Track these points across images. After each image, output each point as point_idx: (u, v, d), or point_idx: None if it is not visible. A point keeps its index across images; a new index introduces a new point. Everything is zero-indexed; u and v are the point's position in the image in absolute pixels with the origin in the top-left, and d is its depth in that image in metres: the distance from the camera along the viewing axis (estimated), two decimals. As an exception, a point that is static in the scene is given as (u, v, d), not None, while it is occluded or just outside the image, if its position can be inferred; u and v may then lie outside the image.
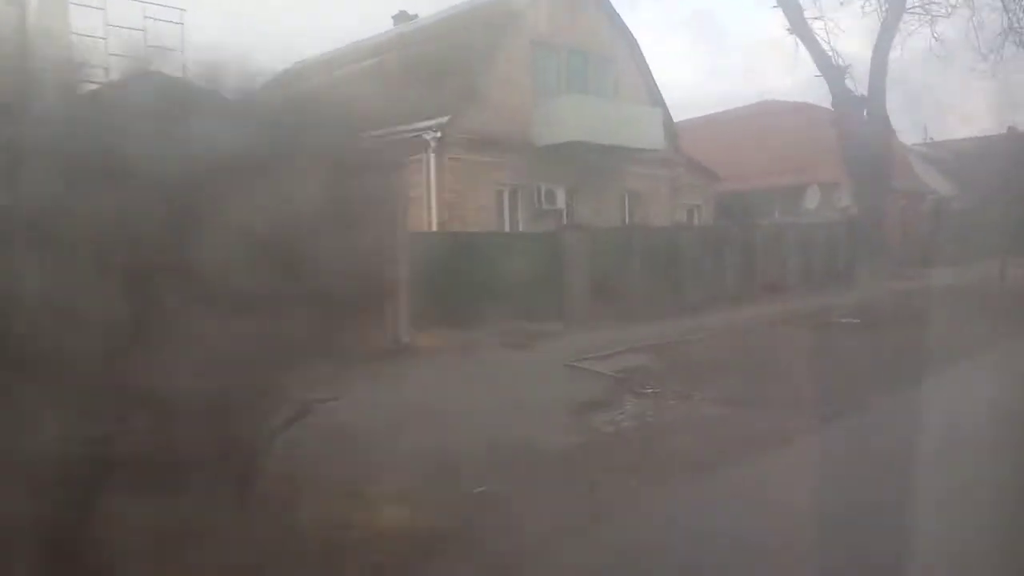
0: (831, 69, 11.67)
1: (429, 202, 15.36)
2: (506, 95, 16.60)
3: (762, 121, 30.22)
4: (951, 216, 29.01)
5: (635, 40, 19.82)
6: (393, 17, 23.26)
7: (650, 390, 7.68)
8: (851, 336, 10.94)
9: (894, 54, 12.99)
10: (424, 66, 18.02)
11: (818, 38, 11.78)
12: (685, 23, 67.60)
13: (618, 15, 19.54)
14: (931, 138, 48.64)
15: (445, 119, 15.33)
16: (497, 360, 9.53)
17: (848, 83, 12.45)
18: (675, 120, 21.57)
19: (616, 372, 8.49)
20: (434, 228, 15.14)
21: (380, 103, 17.95)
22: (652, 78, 20.38)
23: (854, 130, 12.05)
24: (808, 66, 14.85)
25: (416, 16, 22.76)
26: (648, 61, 20.26)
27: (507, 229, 16.64)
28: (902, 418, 6.40)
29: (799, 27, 11.60)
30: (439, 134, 15.07)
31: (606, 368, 8.70)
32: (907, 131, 48.19)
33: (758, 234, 18.56)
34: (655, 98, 20.37)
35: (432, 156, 15.25)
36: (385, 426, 5.94)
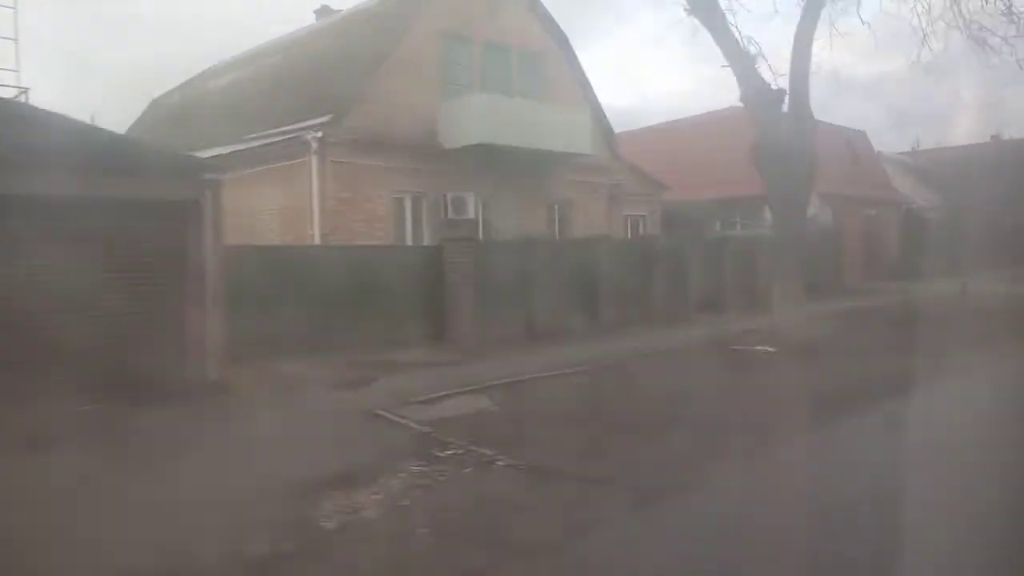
0: (740, 56, 9.95)
1: (312, 212, 13.64)
2: (409, 92, 14.91)
3: (726, 128, 28.58)
4: (924, 227, 27.44)
5: (566, 37, 18.17)
6: (315, 12, 21.64)
7: (452, 452, 5.93)
8: (757, 369, 9.22)
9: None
10: (322, 62, 16.39)
11: (729, 23, 10.04)
12: (683, 33, 66.36)
13: (545, 9, 17.92)
14: (914, 147, 47.42)
15: (327, 117, 13.63)
16: (302, 404, 7.76)
17: (768, 76, 10.73)
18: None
19: (429, 423, 6.74)
20: (316, 241, 13.43)
21: (264, 103, 16.34)
22: (586, 78, 18.75)
23: (770, 129, 10.32)
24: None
25: (340, 11, 21.16)
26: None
27: (410, 242, 14.92)
28: (749, 503, 4.69)
29: (701, 7, 9.89)
30: (319, 134, 13.34)
31: (423, 417, 6.94)
32: (892, 141, 47.00)
33: (694, 247, 16.87)
34: (591, 100, 18.72)
35: (314, 159, 13.52)
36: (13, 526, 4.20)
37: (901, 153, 46.52)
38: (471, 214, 15.46)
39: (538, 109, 16.28)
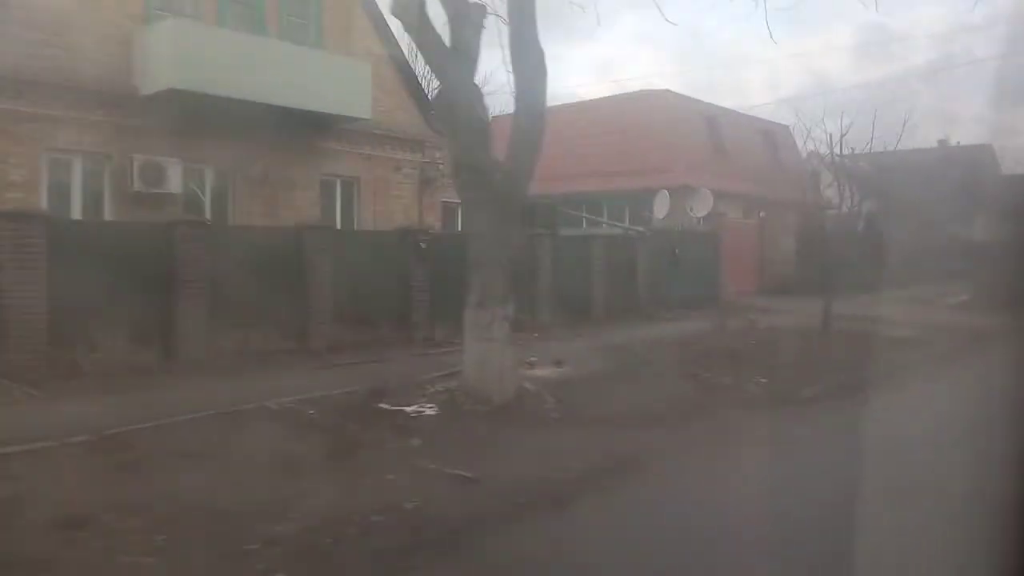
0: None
1: None
2: (82, 14, 10.78)
3: (629, 113, 24.88)
4: (827, 236, 24.03)
5: (355, -33, 14.12)
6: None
7: None
8: (380, 453, 5.35)
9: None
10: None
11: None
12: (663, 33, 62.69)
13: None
14: (853, 149, 44.46)
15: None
16: None
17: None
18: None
19: None
20: None
21: None
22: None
23: (462, 93, 6.47)
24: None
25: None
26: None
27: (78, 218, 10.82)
28: None
29: None
30: None
31: None
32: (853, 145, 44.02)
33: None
34: (394, 56, 14.75)
35: None
36: None
37: (839, 155, 43.48)
38: (172, 187, 11.40)
39: (279, 50, 12.21)
